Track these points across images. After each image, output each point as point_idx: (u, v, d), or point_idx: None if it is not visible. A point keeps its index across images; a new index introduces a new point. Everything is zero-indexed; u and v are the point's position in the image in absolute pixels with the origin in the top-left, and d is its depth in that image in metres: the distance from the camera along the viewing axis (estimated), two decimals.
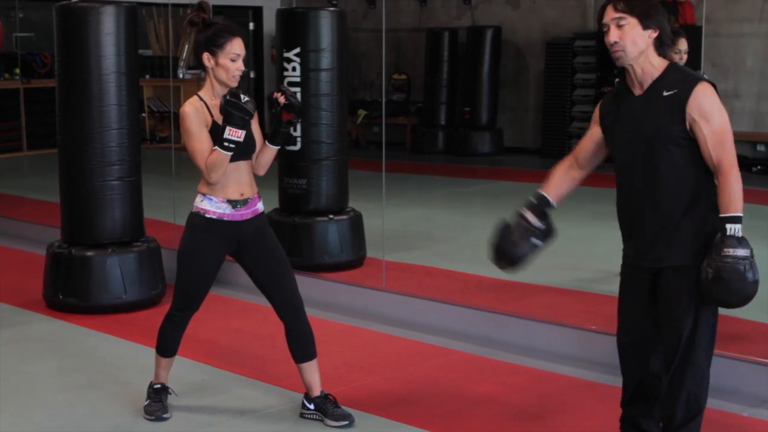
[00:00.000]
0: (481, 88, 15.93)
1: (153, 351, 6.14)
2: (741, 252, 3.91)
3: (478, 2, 16.61)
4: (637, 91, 4.12)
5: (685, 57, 6.88)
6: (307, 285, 6.12)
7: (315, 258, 7.89)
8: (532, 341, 6.25)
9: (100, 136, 6.93)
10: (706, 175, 4.04)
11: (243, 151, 4.72)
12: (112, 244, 7.05)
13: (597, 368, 5.82)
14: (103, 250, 7.01)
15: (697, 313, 4.10)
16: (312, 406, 5.02)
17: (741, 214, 3.96)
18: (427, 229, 9.83)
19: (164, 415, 5.06)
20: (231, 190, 4.76)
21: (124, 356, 6.18)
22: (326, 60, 7.93)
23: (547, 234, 4.40)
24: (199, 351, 6.07)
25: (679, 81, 4.02)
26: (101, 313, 6.96)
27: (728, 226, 3.95)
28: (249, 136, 4.73)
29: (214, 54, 4.66)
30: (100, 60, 6.90)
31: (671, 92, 4.00)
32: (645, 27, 4.00)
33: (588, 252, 8.90)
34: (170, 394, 5.17)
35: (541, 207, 4.42)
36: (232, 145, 4.59)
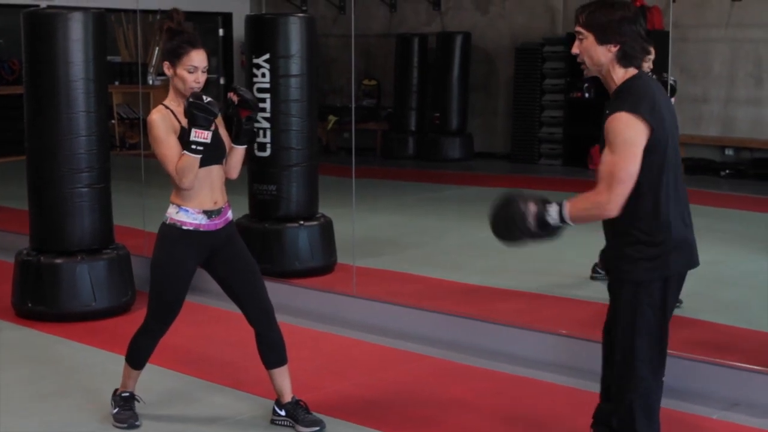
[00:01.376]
0: (451, 94, 15.96)
1: (123, 359, 6.16)
2: (532, 224, 4.05)
3: (448, 8, 16.63)
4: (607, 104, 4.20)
5: (651, 63, 6.92)
6: (277, 291, 6.11)
7: (286, 264, 7.88)
8: (503, 346, 6.25)
9: (69, 143, 6.89)
10: (636, 196, 4.07)
11: (213, 156, 4.72)
12: (81, 252, 7.01)
13: (569, 372, 5.86)
14: (73, 258, 6.97)
15: (632, 325, 4.19)
16: (283, 413, 5.02)
17: (569, 222, 4.04)
18: (397, 235, 9.84)
19: (136, 423, 5.05)
20: (205, 198, 4.76)
21: (93, 364, 6.14)
22: (296, 66, 7.93)
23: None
24: (168, 358, 6.03)
25: (614, 102, 4.08)
26: (71, 321, 6.91)
27: (553, 209, 4.05)
28: (218, 140, 4.75)
29: (173, 64, 4.70)
30: (69, 67, 6.86)
31: (607, 112, 4.07)
32: (601, 42, 4.06)
33: (558, 256, 8.92)
34: (138, 401, 5.15)
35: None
36: (199, 147, 4.59)
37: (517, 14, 15.87)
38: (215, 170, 4.78)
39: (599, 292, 7.42)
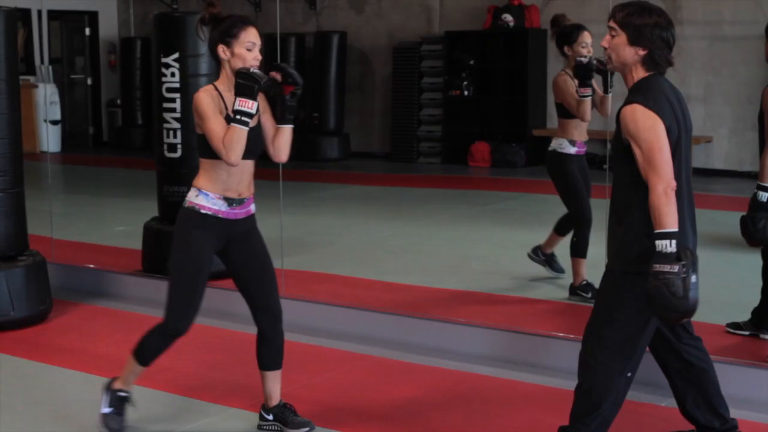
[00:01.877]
0: (328, 94, 15.96)
1: (53, 368, 5.99)
2: (667, 268, 4.03)
3: (323, 7, 16.63)
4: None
5: (591, 50, 7.04)
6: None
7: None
8: (436, 342, 6.28)
9: None
10: (640, 190, 4.18)
11: (249, 150, 4.54)
12: None
13: (505, 365, 5.95)
14: None
15: (608, 314, 4.30)
16: (271, 417, 4.94)
17: (672, 230, 4.06)
18: (300, 235, 9.77)
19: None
20: (230, 186, 4.62)
21: (23, 375, 5.93)
22: (205, 65, 7.81)
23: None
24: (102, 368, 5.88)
25: (630, 96, 4.22)
26: None
27: (657, 242, 4.09)
28: (256, 134, 4.59)
29: (229, 45, 4.54)
30: None
31: (621, 107, 4.22)
32: (632, 43, 4.20)
33: (463, 253, 9.03)
34: (131, 406, 4.96)
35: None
36: (244, 118, 4.42)
37: (394, 13, 15.97)
38: (248, 164, 4.63)
39: (517, 288, 7.58)
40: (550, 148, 7.35)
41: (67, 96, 18.36)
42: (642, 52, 4.20)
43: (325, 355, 6.28)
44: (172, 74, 7.76)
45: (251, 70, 4.47)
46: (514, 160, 14.36)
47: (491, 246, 9.31)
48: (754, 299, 6.17)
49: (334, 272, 8.19)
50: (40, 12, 16.58)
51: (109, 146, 18.23)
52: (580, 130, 7.15)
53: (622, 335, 4.34)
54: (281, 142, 4.71)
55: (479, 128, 15.05)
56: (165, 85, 7.75)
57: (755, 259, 5.94)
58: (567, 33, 7.14)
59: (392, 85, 15.89)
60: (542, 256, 7.69)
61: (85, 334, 6.74)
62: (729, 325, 6.31)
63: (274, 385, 4.94)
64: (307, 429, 4.89)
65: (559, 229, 7.57)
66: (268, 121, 4.70)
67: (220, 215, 4.62)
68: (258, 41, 4.57)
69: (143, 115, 17.44)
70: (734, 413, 4.68)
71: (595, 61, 6.71)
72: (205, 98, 4.53)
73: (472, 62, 15.08)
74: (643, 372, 5.11)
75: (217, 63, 4.65)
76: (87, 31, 18.25)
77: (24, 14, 16.13)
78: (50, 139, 16.02)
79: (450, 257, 8.87)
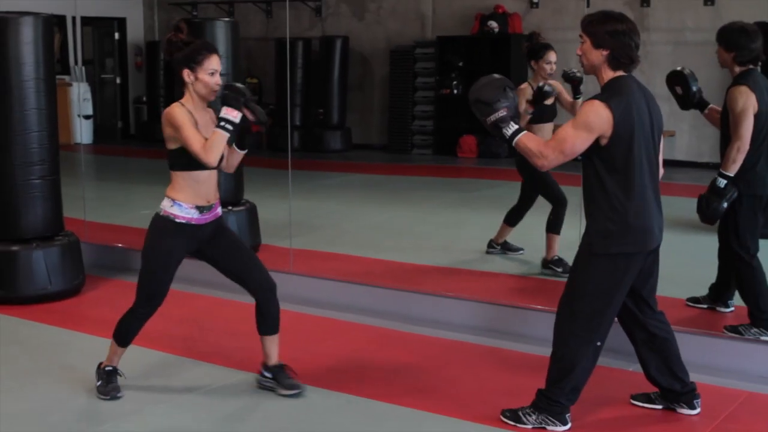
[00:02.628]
0: (332, 92, 15.89)
1: (86, 336, 6.00)
2: (494, 116, 4.34)
3: (328, 14, 16.57)
4: None
5: (554, 67, 7.08)
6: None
7: None
8: (432, 314, 6.30)
9: (22, 138, 6.63)
10: (602, 180, 4.27)
11: (219, 162, 4.59)
12: (35, 239, 6.75)
13: (494, 335, 5.97)
14: (28, 245, 6.71)
15: (579, 289, 4.39)
16: (269, 375, 4.97)
17: (516, 140, 4.33)
18: (307, 218, 9.75)
19: (118, 395, 4.90)
20: (200, 196, 4.65)
21: (59, 342, 5.95)
22: (222, 66, 7.75)
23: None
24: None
25: (598, 94, 4.31)
26: (28, 304, 6.65)
27: (512, 123, 4.35)
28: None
29: (193, 70, 4.55)
30: (20, 67, 6.58)
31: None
32: (596, 47, 4.28)
33: (454, 235, 9.03)
34: (120, 376, 5.00)
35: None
36: (228, 126, 4.46)
37: (391, 20, 15.91)
38: (215, 174, 4.69)
39: (499, 265, 7.58)
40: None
41: (98, 93, 18.30)
42: (605, 53, 4.27)
43: (329, 325, 6.29)
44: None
45: (238, 84, 4.52)
46: (498, 151, 14.33)
47: (477, 228, 9.27)
48: (712, 276, 6.18)
49: (337, 251, 8.19)
50: (74, 18, 16.51)
51: (136, 139, 18.18)
52: (542, 133, 7.07)
53: (591, 308, 4.38)
54: (234, 161, 4.80)
55: (467, 123, 14.94)
56: None
57: (713, 240, 5.95)
58: (536, 50, 7.17)
59: (389, 84, 15.84)
60: (496, 246, 7.74)
61: (115, 305, 6.65)
62: (689, 299, 6.32)
63: (272, 346, 4.96)
64: (296, 391, 4.91)
65: (509, 220, 7.64)
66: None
67: (192, 222, 4.66)
68: (219, 68, 4.60)
69: None
70: (693, 377, 4.71)
71: (548, 88, 6.68)
72: (180, 111, 4.55)
73: (461, 64, 15.04)
74: (612, 341, 5.14)
75: (181, 83, 4.63)
76: (116, 35, 18.17)
77: (60, 20, 16.07)
78: (83, 132, 16.02)
79: (441, 238, 8.87)
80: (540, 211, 7.47)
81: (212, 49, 4.61)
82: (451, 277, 7.25)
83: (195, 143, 4.48)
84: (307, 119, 16.28)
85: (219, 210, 4.81)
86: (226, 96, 4.49)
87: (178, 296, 6.83)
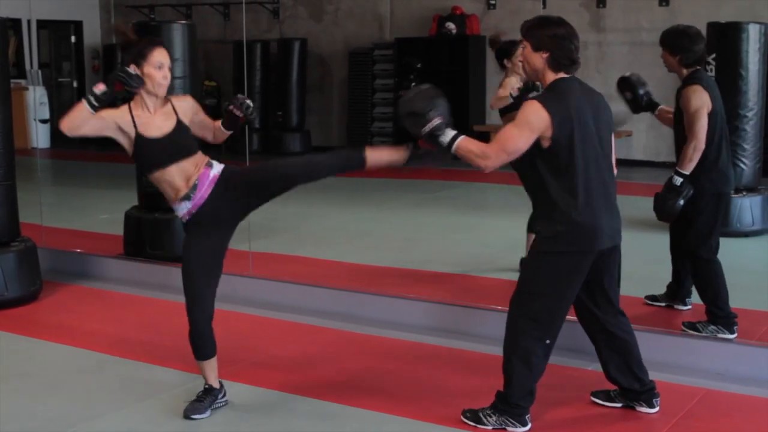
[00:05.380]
0: (291, 94, 15.86)
1: (43, 343, 5.95)
2: (429, 125, 4.36)
3: (285, 17, 16.53)
4: None
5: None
6: (174, 275, 5.85)
7: (176, 250, 7.66)
8: (390, 316, 6.28)
9: None
10: (547, 182, 4.31)
11: (179, 152, 4.52)
12: None
13: (453, 336, 5.97)
14: None
15: (530, 287, 4.42)
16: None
17: (455, 145, 4.40)
18: (265, 221, 9.68)
19: (196, 416, 4.68)
20: (178, 188, 4.56)
21: (15, 349, 5.85)
22: (179, 69, 7.72)
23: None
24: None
25: (538, 96, 4.36)
26: None
27: (448, 130, 4.44)
28: (180, 137, 4.56)
29: (139, 65, 4.48)
30: None
31: None
32: (535, 49, 4.30)
33: (413, 235, 9.03)
34: (220, 394, 4.80)
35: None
36: (90, 97, 4.44)
37: (349, 22, 15.91)
38: (184, 164, 4.56)
39: (457, 266, 7.59)
40: None
41: (55, 97, 18.14)
42: (545, 55, 4.29)
43: (288, 328, 6.26)
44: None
45: (128, 72, 4.45)
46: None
47: (437, 229, 9.31)
48: (669, 274, 6.22)
49: (297, 254, 8.17)
50: (29, 21, 16.35)
51: (94, 143, 17.94)
52: None
53: (541, 307, 4.39)
54: (222, 137, 4.74)
55: None
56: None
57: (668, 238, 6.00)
58: (506, 48, 7.15)
59: (348, 86, 15.84)
60: None
61: (73, 311, 6.68)
62: (647, 297, 6.36)
63: None
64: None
65: (531, 227, 7.55)
66: (201, 124, 4.71)
67: (194, 210, 4.57)
68: (167, 61, 4.53)
69: None
70: (651, 375, 4.73)
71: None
72: (112, 110, 4.59)
73: (419, 65, 15.06)
74: (572, 340, 5.17)
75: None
76: (73, 38, 18.04)
77: (15, 23, 15.91)
78: (40, 137, 15.83)
79: (400, 239, 8.88)
80: (518, 210, 7.49)
81: (157, 43, 4.56)
82: (410, 278, 7.25)
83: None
84: (266, 121, 16.23)
85: (212, 172, 4.56)
86: (112, 75, 4.49)
87: (133, 301, 6.81)
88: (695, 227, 5.69)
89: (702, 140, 5.49)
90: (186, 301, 4.61)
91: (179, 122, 4.59)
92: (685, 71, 5.64)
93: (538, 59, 4.29)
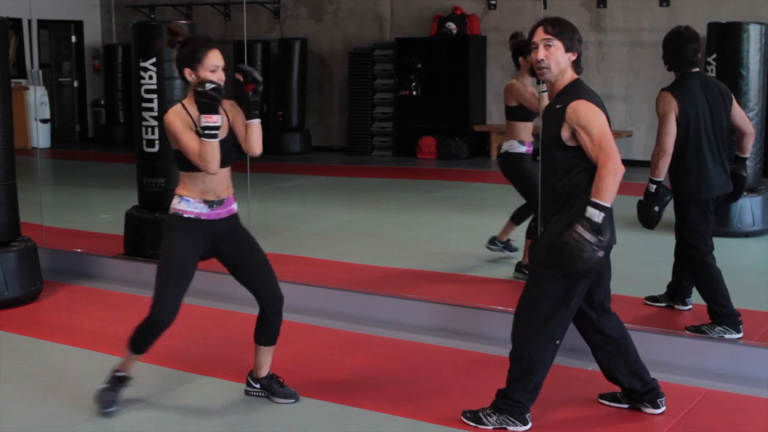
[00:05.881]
0: (291, 94, 15.85)
1: (44, 342, 5.92)
2: (588, 235, 4.09)
3: (286, 17, 16.53)
4: (551, 101, 4.43)
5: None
6: None
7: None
8: (389, 315, 6.27)
9: None
10: (578, 176, 4.26)
11: (223, 158, 4.45)
12: None
13: (451, 336, 5.95)
14: None
15: (539, 288, 4.38)
16: (257, 385, 4.91)
17: (607, 204, 4.13)
18: (266, 221, 9.71)
19: (109, 410, 4.69)
20: (210, 193, 4.52)
21: (16, 349, 5.85)
22: None
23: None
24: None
25: (565, 96, 4.31)
26: None
27: (590, 208, 4.12)
28: (228, 144, 4.51)
29: (194, 69, 4.40)
30: None
31: (560, 106, 4.31)
32: (567, 50, 4.30)
33: (413, 236, 9.02)
34: (128, 386, 4.80)
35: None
36: (211, 132, 4.32)
37: (349, 22, 15.90)
38: (222, 171, 4.51)
39: (457, 266, 7.58)
40: (502, 151, 7.22)
41: (56, 97, 18.14)
42: (573, 57, 4.33)
43: (289, 328, 6.17)
44: (150, 77, 7.70)
45: (206, 87, 4.33)
46: (458, 152, 14.38)
47: (437, 229, 9.31)
48: (669, 275, 6.22)
49: (297, 254, 8.15)
50: (30, 21, 16.35)
51: (94, 142, 18.04)
52: (526, 131, 7.09)
53: (551, 307, 4.37)
54: (253, 137, 4.57)
55: (426, 124, 15.04)
56: (144, 87, 7.69)
57: (671, 239, 5.99)
58: (524, 47, 7.12)
59: (348, 86, 15.83)
60: (500, 244, 7.68)
61: (73, 311, 6.67)
62: (647, 297, 6.36)
63: (267, 358, 4.89)
64: (293, 400, 4.86)
65: (516, 218, 7.56)
66: (238, 125, 4.60)
67: (202, 217, 4.53)
68: (221, 63, 4.43)
69: (124, 114, 17.26)
70: (653, 376, 4.71)
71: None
72: (174, 119, 4.43)
73: (419, 66, 15.06)
74: (575, 341, 5.15)
75: (185, 82, 4.52)
76: (73, 38, 18.02)
77: (15, 23, 15.91)
78: (40, 136, 15.86)
79: (401, 239, 8.87)
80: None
81: (212, 45, 4.45)
82: (410, 278, 7.25)
83: (193, 155, 4.38)
84: (266, 121, 16.21)
85: (234, 206, 4.64)
86: (199, 103, 4.34)
87: (133, 300, 6.79)
88: (684, 231, 5.70)
89: (664, 145, 5.55)
90: (156, 295, 4.57)
91: (230, 129, 4.57)
92: (675, 74, 5.69)
93: (566, 60, 4.30)
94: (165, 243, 4.60)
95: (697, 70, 5.71)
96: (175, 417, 4.73)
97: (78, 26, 18.00)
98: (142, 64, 7.70)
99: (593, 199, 4.14)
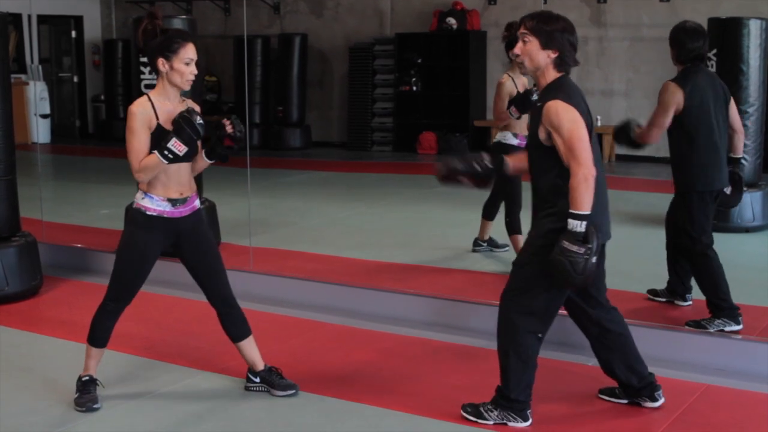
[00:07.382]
0: (291, 89, 15.84)
1: (44, 338, 5.91)
2: (575, 248, 4.07)
3: (286, 12, 16.52)
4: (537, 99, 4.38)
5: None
6: (173, 270, 5.82)
7: None
8: (389, 311, 6.27)
9: None
10: (559, 177, 4.23)
11: (185, 156, 4.46)
12: None
13: (449, 330, 5.96)
14: None
15: (524, 282, 4.38)
16: (257, 379, 4.91)
17: (586, 213, 4.10)
18: (266, 216, 9.71)
19: (94, 406, 4.71)
20: (172, 190, 4.53)
21: (17, 344, 5.85)
22: None
23: (488, 173, 4.48)
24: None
25: (546, 95, 4.24)
26: None
27: (570, 221, 4.10)
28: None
29: (168, 59, 4.40)
30: None
31: (540, 104, 4.25)
32: (544, 47, 4.18)
33: (412, 232, 9.01)
34: (98, 385, 4.82)
35: (499, 161, 4.51)
36: (171, 156, 4.34)
37: (350, 17, 15.89)
38: (184, 166, 4.55)
39: (457, 261, 7.58)
40: (495, 140, 7.26)
41: (56, 92, 18.13)
42: (553, 55, 4.21)
43: (289, 323, 6.25)
44: (150, 72, 7.68)
45: (197, 121, 4.33)
46: (458, 148, 14.38)
47: (437, 224, 9.30)
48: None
49: (297, 249, 8.15)
50: (30, 16, 16.34)
51: (94, 138, 18.04)
52: (521, 125, 7.08)
53: (536, 302, 4.36)
54: (199, 166, 4.66)
55: (426, 120, 15.04)
56: (143, 82, 7.69)
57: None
58: (513, 40, 7.08)
59: (348, 81, 15.82)
60: (483, 243, 7.69)
61: (73, 306, 6.67)
62: (649, 291, 6.35)
63: (252, 350, 4.89)
64: (293, 391, 4.86)
65: (486, 215, 7.56)
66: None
67: (165, 215, 4.54)
68: (195, 56, 4.45)
69: (124, 109, 17.18)
70: (652, 371, 4.71)
71: (535, 96, 6.66)
72: (136, 113, 4.41)
73: (419, 61, 15.05)
74: (572, 336, 5.16)
75: (155, 72, 4.50)
76: (73, 33, 18.00)
77: (15, 18, 15.90)
78: (40, 132, 15.84)
79: (400, 234, 8.87)
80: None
81: (188, 38, 4.46)
82: (410, 273, 7.24)
83: (134, 157, 4.40)
84: (266, 117, 16.22)
85: (196, 203, 4.66)
86: (182, 128, 4.32)
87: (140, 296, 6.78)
88: (687, 223, 5.70)
89: (650, 137, 5.75)
90: (111, 285, 4.64)
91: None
92: (679, 67, 5.68)
93: (543, 57, 4.19)
94: (124, 235, 4.63)
95: (702, 64, 5.72)
96: (176, 412, 4.73)
97: (78, 21, 17.99)
98: (142, 60, 7.68)
99: (572, 211, 4.11)
